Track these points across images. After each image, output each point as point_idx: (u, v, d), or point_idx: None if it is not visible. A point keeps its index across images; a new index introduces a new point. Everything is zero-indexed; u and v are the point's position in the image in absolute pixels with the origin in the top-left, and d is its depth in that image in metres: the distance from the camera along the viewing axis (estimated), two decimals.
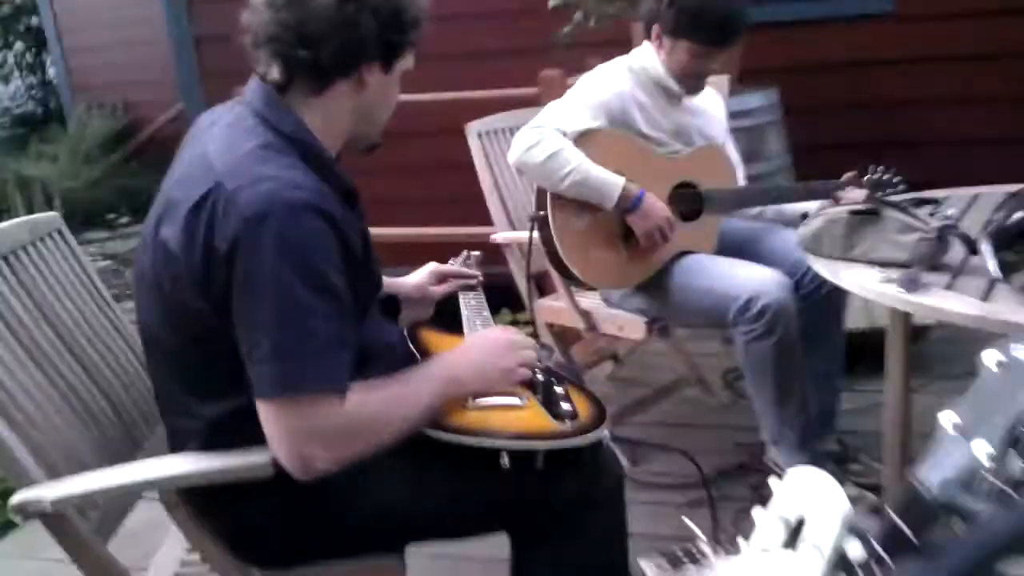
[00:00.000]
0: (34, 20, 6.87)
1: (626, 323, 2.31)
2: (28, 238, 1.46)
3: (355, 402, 1.16)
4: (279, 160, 1.18)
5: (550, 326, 2.52)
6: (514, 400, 1.33)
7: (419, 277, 1.72)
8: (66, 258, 1.55)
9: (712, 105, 2.38)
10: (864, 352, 2.42)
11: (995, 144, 3.37)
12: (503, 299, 2.90)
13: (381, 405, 1.20)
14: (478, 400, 1.31)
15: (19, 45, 7.19)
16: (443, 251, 2.52)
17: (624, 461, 2.43)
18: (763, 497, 1.98)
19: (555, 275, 2.35)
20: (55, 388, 1.36)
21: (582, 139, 2.10)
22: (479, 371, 1.32)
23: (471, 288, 1.76)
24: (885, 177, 2.20)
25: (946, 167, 3.41)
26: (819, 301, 2.15)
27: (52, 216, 1.57)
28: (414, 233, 3.39)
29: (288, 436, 1.13)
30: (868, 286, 1.50)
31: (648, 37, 2.22)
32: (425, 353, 1.49)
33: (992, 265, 1.39)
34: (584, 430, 1.28)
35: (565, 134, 2.08)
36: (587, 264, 2.16)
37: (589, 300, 2.44)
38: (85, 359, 1.45)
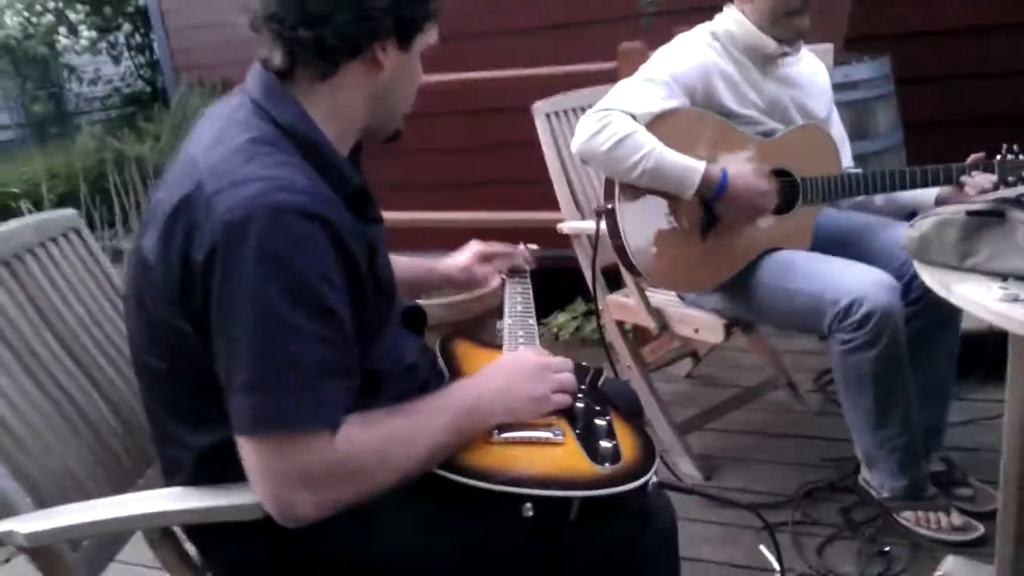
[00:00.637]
0: (140, 1, 7.01)
1: (702, 324, 2.09)
2: (35, 239, 1.36)
3: (350, 439, 1.01)
4: (271, 157, 1.03)
5: (620, 324, 2.32)
6: (546, 434, 1.15)
7: (463, 258, 1.59)
8: (82, 259, 1.44)
9: (813, 73, 2.10)
10: (980, 356, 2.12)
11: None
12: (579, 286, 2.71)
13: (382, 442, 1.04)
14: (503, 433, 1.14)
15: (127, 26, 7.35)
16: (507, 239, 2.36)
17: (697, 473, 2.22)
18: (854, 523, 1.75)
19: (625, 272, 2.14)
20: (54, 405, 1.26)
21: (656, 122, 1.88)
22: (505, 399, 1.14)
23: (519, 272, 1.62)
24: (1020, 157, 1.89)
25: None
26: (931, 305, 1.87)
27: (68, 214, 1.47)
28: (474, 218, 3.22)
29: (267, 477, 0.99)
30: (986, 304, 1.24)
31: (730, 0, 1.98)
32: (458, 372, 1.33)
33: None
34: (627, 475, 1.09)
35: (635, 117, 1.86)
36: (660, 264, 1.94)
37: (662, 297, 2.23)
38: (95, 371, 1.35)
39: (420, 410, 1.09)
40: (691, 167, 1.85)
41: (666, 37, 3.00)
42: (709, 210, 1.92)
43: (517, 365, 1.19)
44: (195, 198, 1.00)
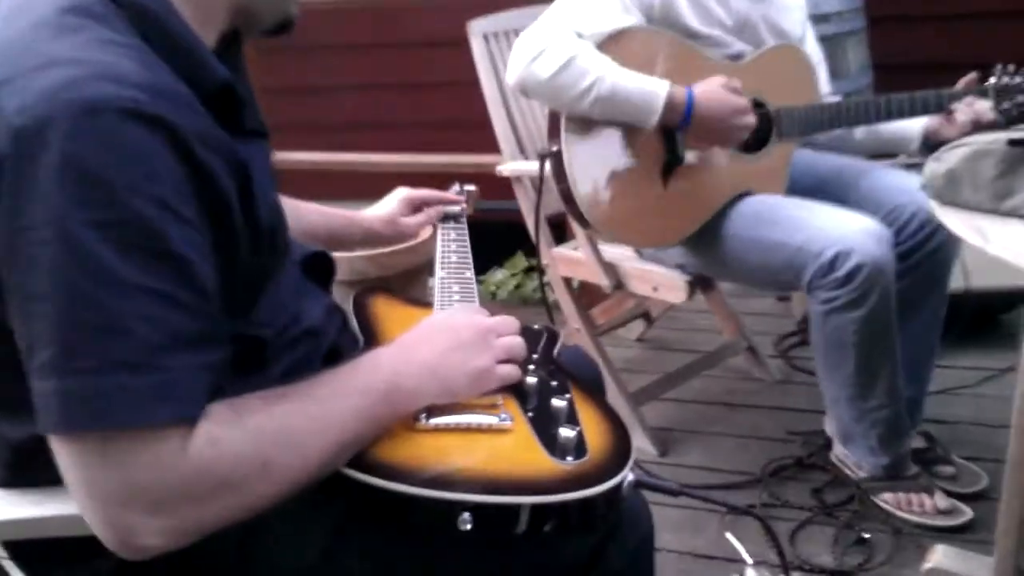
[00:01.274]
0: None
1: (662, 281, 1.83)
2: None
3: (212, 439, 0.70)
4: (91, 31, 0.70)
5: (567, 281, 2.04)
6: (490, 419, 0.86)
7: (388, 207, 1.31)
8: None
9: None
10: (956, 319, 1.92)
11: None
12: (519, 240, 2.43)
13: (261, 441, 0.73)
14: (433, 419, 0.85)
15: None
16: (438, 186, 2.02)
17: (652, 449, 1.98)
18: (827, 506, 1.52)
19: (574, 224, 1.86)
20: None
21: (607, 44, 1.59)
22: (436, 373, 0.85)
23: (453, 218, 1.34)
24: (1016, 80, 1.66)
25: None
26: (921, 260, 1.65)
27: None
28: (400, 161, 2.88)
29: (91, 493, 0.68)
30: None
31: None
32: (376, 338, 1.03)
33: None
34: (596, 473, 0.82)
35: (581, 36, 1.57)
36: (614, 214, 1.66)
37: (616, 250, 1.96)
38: None
39: (318, 393, 0.78)
40: (653, 90, 1.57)
41: None
42: (672, 148, 1.65)
43: (451, 328, 0.89)
44: None
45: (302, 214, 1.20)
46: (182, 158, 0.70)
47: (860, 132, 1.84)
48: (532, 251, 2.96)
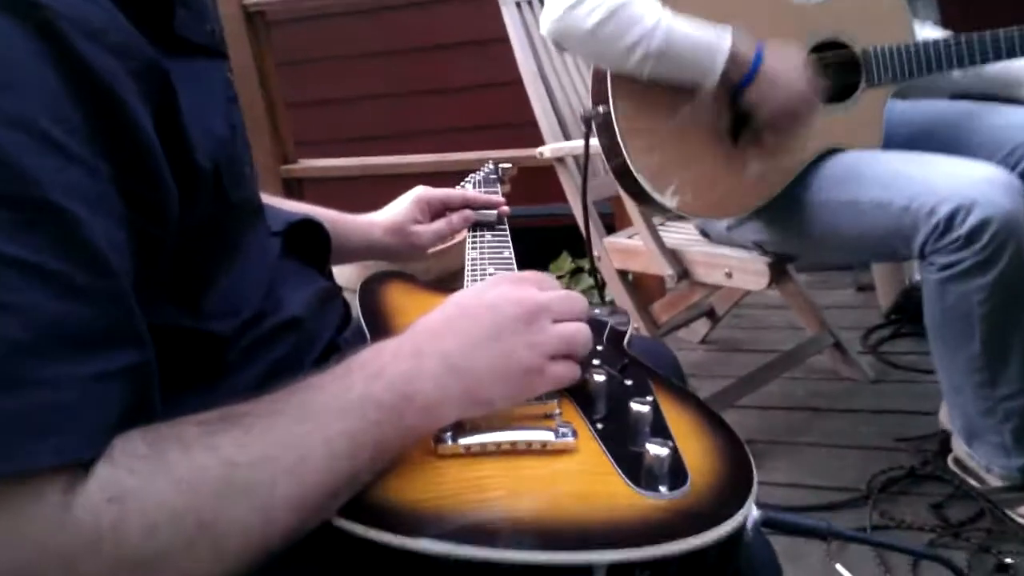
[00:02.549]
0: None
1: (738, 265, 1.55)
2: None
3: (116, 487, 0.45)
4: None
5: (623, 275, 1.77)
6: (543, 434, 0.60)
7: (397, 210, 1.01)
8: None
9: None
10: None
11: None
12: (563, 241, 2.20)
13: (199, 486, 0.47)
14: (463, 438, 0.59)
15: None
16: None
17: None
18: (953, 525, 1.21)
19: (627, 200, 1.60)
20: None
21: None
22: (466, 375, 0.58)
23: (487, 226, 1.03)
24: None
25: None
26: None
27: None
28: (428, 161, 2.63)
29: None
30: None
31: None
32: (386, 331, 0.78)
33: None
34: (703, 511, 0.55)
35: None
36: (675, 181, 1.38)
37: (678, 234, 1.70)
38: None
39: (290, 411, 0.52)
40: (713, 42, 1.31)
41: None
42: (737, 103, 1.38)
43: (486, 308, 0.62)
44: None
45: (279, 212, 0.93)
46: (58, 59, 0.46)
47: (959, 74, 1.55)
48: (578, 252, 2.72)
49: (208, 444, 0.49)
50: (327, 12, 3.20)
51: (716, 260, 1.58)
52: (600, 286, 1.71)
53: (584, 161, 1.51)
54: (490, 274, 0.86)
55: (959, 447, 1.50)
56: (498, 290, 0.64)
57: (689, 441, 0.62)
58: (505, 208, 1.06)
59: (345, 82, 3.47)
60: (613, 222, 2.03)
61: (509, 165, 1.27)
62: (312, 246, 0.81)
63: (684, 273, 1.63)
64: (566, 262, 2.76)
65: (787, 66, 1.34)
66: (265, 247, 0.71)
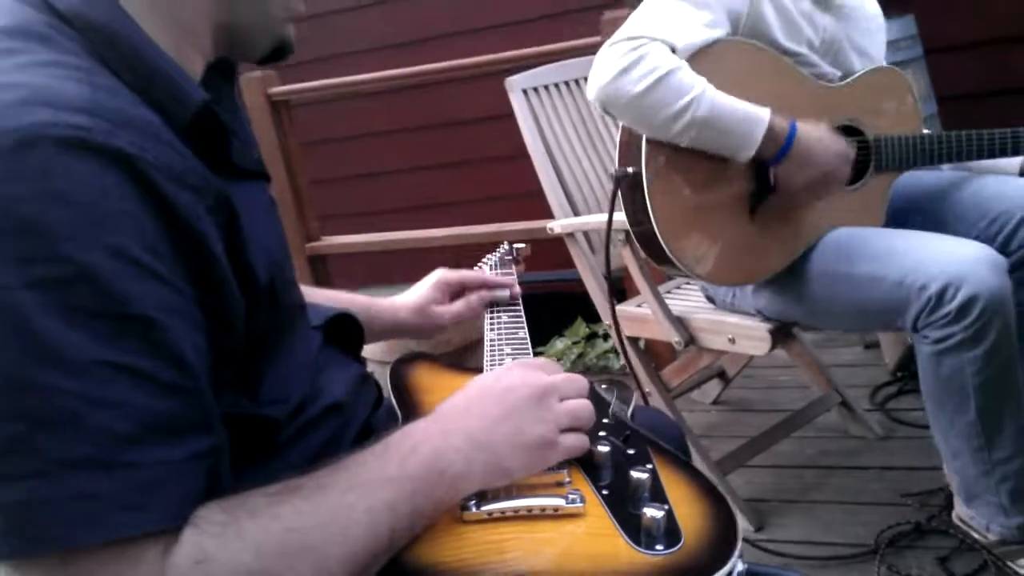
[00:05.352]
0: None
1: (740, 332, 1.64)
2: None
3: (201, 554, 0.55)
4: (29, 54, 0.59)
5: (634, 341, 1.87)
6: (556, 501, 0.69)
7: (419, 293, 1.11)
8: None
9: (869, 6, 1.66)
10: None
11: None
12: (577, 307, 2.30)
13: (268, 549, 0.58)
14: (484, 505, 0.68)
15: None
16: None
17: (746, 524, 1.76)
18: None
19: (635, 271, 1.70)
20: None
21: (697, 58, 1.42)
22: (487, 448, 0.68)
23: (502, 304, 1.14)
24: None
25: None
26: None
27: None
28: (448, 235, 2.76)
29: None
30: None
31: None
32: (414, 410, 0.88)
33: None
34: (693, 565, 0.64)
35: (674, 50, 1.40)
36: (700, 248, 1.47)
37: (684, 301, 1.79)
38: None
39: (339, 485, 0.62)
40: (755, 116, 1.39)
41: None
42: (762, 177, 1.48)
43: (503, 390, 0.72)
44: None
45: (314, 299, 1.03)
46: (146, 196, 0.57)
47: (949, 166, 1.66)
48: (592, 317, 2.81)
49: (273, 513, 0.59)
50: (347, 94, 3.36)
51: (720, 327, 1.67)
52: (620, 339, 1.79)
53: (608, 219, 1.58)
54: (507, 354, 0.96)
55: (960, 507, 1.56)
56: (511, 374, 0.74)
57: (683, 505, 0.70)
58: (517, 289, 1.16)
59: (370, 158, 3.63)
60: (624, 286, 2.12)
61: (523, 245, 1.36)
62: (348, 336, 0.91)
63: (690, 340, 1.72)
64: (581, 327, 2.85)
65: (820, 143, 1.42)
66: (308, 340, 0.81)
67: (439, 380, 0.97)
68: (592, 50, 2.28)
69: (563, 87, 2.00)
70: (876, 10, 1.69)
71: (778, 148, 1.39)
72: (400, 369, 0.98)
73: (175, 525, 0.55)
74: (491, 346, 1.00)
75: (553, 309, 2.35)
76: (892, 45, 2.44)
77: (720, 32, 1.44)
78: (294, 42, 0.77)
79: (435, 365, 1.02)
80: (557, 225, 1.87)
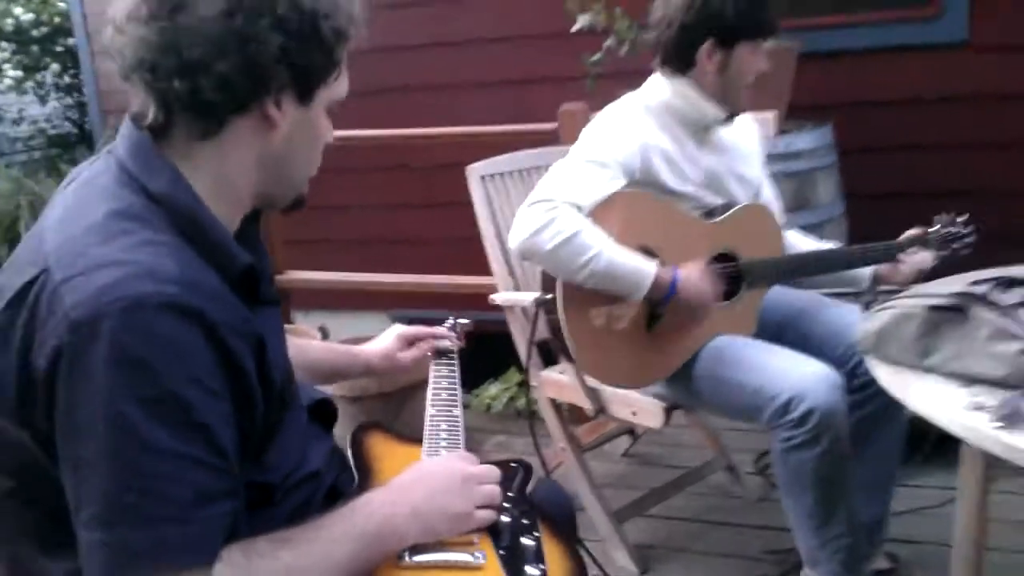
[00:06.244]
0: (70, 41, 6.77)
1: (641, 407, 1.96)
2: None
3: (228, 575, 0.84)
4: (135, 235, 0.87)
5: (554, 402, 2.18)
6: (466, 557, 1.00)
7: (384, 343, 1.45)
8: None
9: (744, 136, 2.01)
10: (923, 439, 2.05)
11: None
12: (514, 354, 2.59)
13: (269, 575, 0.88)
14: (416, 556, 0.98)
15: (55, 66, 7.08)
16: (439, 303, 2.16)
17: (633, 568, 2.08)
18: None
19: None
20: None
21: (599, 209, 1.74)
22: (422, 518, 0.99)
23: (446, 354, 1.48)
24: (953, 229, 1.86)
25: None
26: (877, 392, 1.77)
27: None
28: (402, 282, 3.09)
29: None
30: (949, 414, 1.14)
31: (682, 69, 1.85)
32: (370, 475, 1.17)
33: None
34: None
35: (580, 208, 1.71)
36: (601, 360, 1.81)
37: None
38: None
39: (317, 537, 0.92)
40: (642, 271, 1.71)
41: (609, 98, 2.95)
42: (654, 310, 1.81)
43: (437, 476, 1.03)
44: (38, 287, 0.84)
45: (308, 352, 1.35)
46: (212, 342, 0.85)
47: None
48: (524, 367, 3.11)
49: (274, 555, 0.89)
50: None
51: (625, 401, 1.99)
52: (531, 415, 2.11)
53: (531, 335, 1.95)
54: (443, 439, 1.26)
55: (806, 568, 1.89)
56: (446, 463, 1.05)
57: (555, 565, 1.01)
58: (456, 341, 1.51)
59: (331, 193, 3.88)
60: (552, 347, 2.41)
61: (467, 321, 1.66)
62: (325, 416, 1.20)
63: (601, 408, 2.04)
64: (515, 375, 3.16)
65: (697, 286, 1.73)
66: (298, 418, 1.10)
67: (389, 449, 1.26)
68: (548, 136, 2.63)
69: (516, 175, 2.30)
70: (753, 139, 2.04)
71: (663, 294, 1.72)
72: (358, 437, 1.28)
73: (211, 560, 0.84)
74: (431, 424, 1.30)
75: (493, 350, 2.61)
76: (810, 153, 2.82)
77: (619, 185, 1.76)
78: (306, 198, 1.06)
79: (386, 435, 1.32)
80: (499, 298, 2.18)
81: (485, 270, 2.29)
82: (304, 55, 0.93)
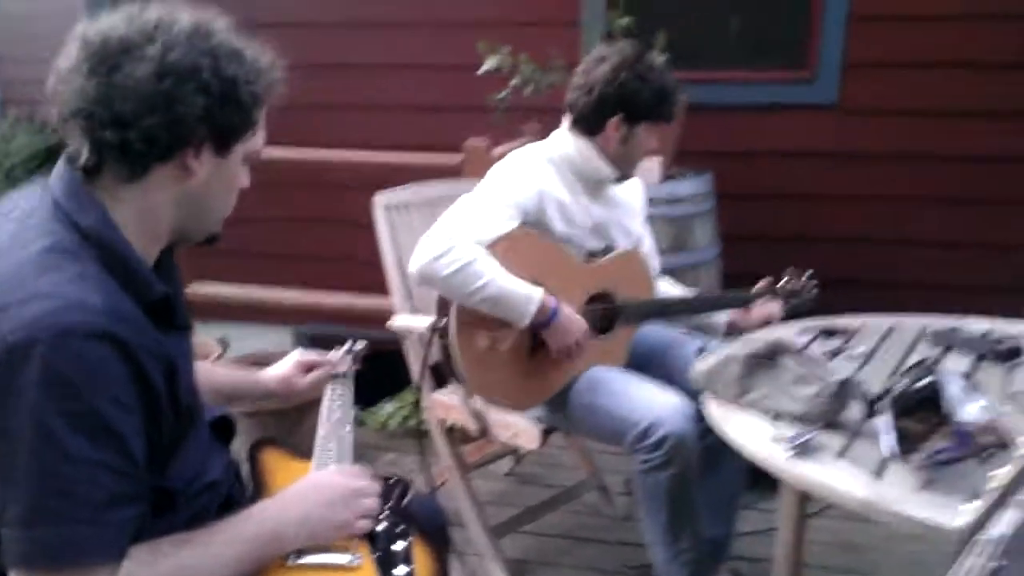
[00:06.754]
0: None
1: (521, 430, 2.15)
2: None
3: (132, 574, 0.97)
4: (66, 269, 0.99)
5: (442, 423, 2.34)
6: (345, 558, 1.15)
7: (284, 368, 1.57)
8: None
9: (630, 192, 2.26)
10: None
11: (929, 246, 3.33)
12: (409, 374, 2.74)
13: (173, 573, 1.01)
14: (300, 558, 1.13)
15: None
16: (342, 318, 2.25)
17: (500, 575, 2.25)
18: None
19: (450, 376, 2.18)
20: None
21: (495, 245, 1.92)
22: (308, 525, 1.14)
23: (342, 377, 1.62)
24: (798, 285, 2.13)
25: (880, 262, 3.38)
26: None
27: None
28: (304, 300, 3.21)
29: None
30: (755, 444, 1.37)
31: (590, 132, 2.06)
32: (264, 487, 1.31)
33: (889, 441, 1.27)
34: None
35: (477, 241, 1.90)
36: (488, 381, 2.00)
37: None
38: None
39: (214, 540, 1.06)
40: (528, 296, 1.91)
41: (512, 133, 3.16)
42: (536, 335, 2.00)
43: (324, 489, 1.18)
44: None
45: (213, 375, 1.47)
46: (129, 365, 0.99)
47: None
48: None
49: (174, 554, 1.02)
50: None
51: (507, 423, 2.17)
52: (419, 435, 2.27)
53: (423, 360, 2.10)
54: (332, 455, 1.40)
55: None
56: (333, 478, 1.20)
57: (422, 566, 1.17)
58: (350, 366, 1.65)
59: (239, 207, 3.94)
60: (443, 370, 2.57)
61: (363, 345, 1.80)
62: (225, 431, 1.33)
63: (484, 430, 2.21)
64: (410, 395, 3.30)
65: (572, 321, 1.95)
66: (201, 433, 1.23)
67: (282, 464, 1.40)
68: (452, 168, 2.80)
69: (419, 206, 2.46)
70: (638, 198, 2.28)
71: (545, 319, 1.92)
72: (255, 451, 1.41)
73: (119, 557, 0.97)
74: (321, 442, 1.44)
75: (390, 369, 2.74)
76: (691, 199, 3.07)
77: (513, 224, 1.96)
78: (220, 235, 1.19)
79: (280, 450, 1.45)
80: (396, 323, 2.32)
81: (384, 289, 2.44)
82: (224, 116, 1.07)
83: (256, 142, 1.15)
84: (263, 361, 1.80)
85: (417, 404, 3.27)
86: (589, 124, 2.06)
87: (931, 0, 3.17)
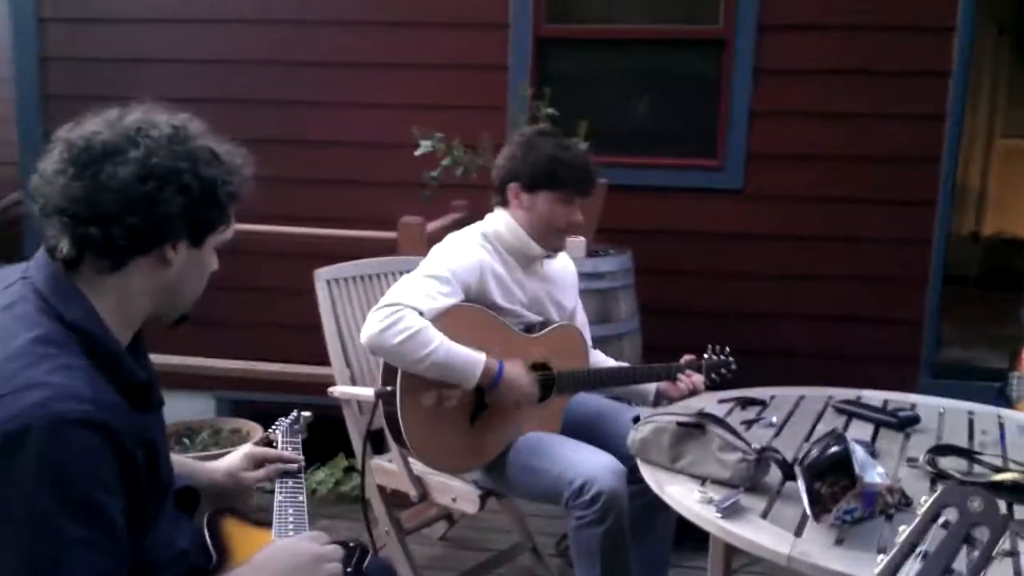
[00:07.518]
0: None
1: (460, 494, 2.23)
2: None
3: None
4: (55, 359, 1.05)
5: (381, 488, 2.40)
6: None
7: (232, 461, 1.59)
8: None
9: (564, 268, 2.42)
10: (694, 527, 2.42)
11: (840, 320, 3.59)
12: (341, 440, 2.78)
13: None
14: None
15: None
16: (272, 386, 2.26)
17: None
18: None
19: (391, 442, 2.26)
20: None
21: (440, 317, 2.04)
22: None
23: (292, 475, 1.63)
24: (719, 359, 2.31)
25: (793, 338, 3.61)
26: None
27: None
28: (246, 367, 3.24)
29: None
30: (688, 504, 1.50)
31: (502, 203, 2.24)
32: (227, 554, 1.36)
33: (804, 502, 1.42)
34: None
35: (422, 314, 2.02)
36: (430, 445, 2.10)
37: (424, 465, 2.35)
38: None
39: None
40: (474, 359, 2.03)
41: (444, 209, 3.29)
42: (480, 398, 2.12)
43: (293, 554, 1.23)
44: None
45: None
46: (116, 450, 1.05)
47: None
48: (352, 453, 3.29)
49: None
50: None
51: (446, 488, 2.25)
52: (363, 502, 2.33)
53: (369, 422, 2.19)
54: (291, 515, 1.47)
55: None
56: (299, 544, 1.27)
57: None
58: (302, 462, 1.68)
59: None
60: (382, 437, 2.63)
61: (308, 414, 1.87)
62: (189, 501, 1.39)
63: (424, 494, 2.29)
64: (341, 461, 3.33)
65: (517, 380, 2.08)
66: (169, 504, 1.29)
67: (242, 531, 1.46)
68: (388, 244, 2.91)
69: (359, 280, 2.55)
70: (571, 273, 2.44)
71: (491, 381, 2.05)
72: (214, 519, 1.46)
73: None
74: (279, 508, 1.50)
75: (321, 435, 2.78)
76: (611, 275, 3.25)
77: (456, 299, 2.09)
78: (189, 315, 1.27)
79: (237, 519, 1.50)
80: (337, 391, 2.39)
81: (317, 359, 2.50)
82: (201, 213, 1.16)
83: (227, 233, 1.24)
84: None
85: (349, 470, 3.32)
86: (500, 195, 2.24)
87: (824, 98, 3.49)
